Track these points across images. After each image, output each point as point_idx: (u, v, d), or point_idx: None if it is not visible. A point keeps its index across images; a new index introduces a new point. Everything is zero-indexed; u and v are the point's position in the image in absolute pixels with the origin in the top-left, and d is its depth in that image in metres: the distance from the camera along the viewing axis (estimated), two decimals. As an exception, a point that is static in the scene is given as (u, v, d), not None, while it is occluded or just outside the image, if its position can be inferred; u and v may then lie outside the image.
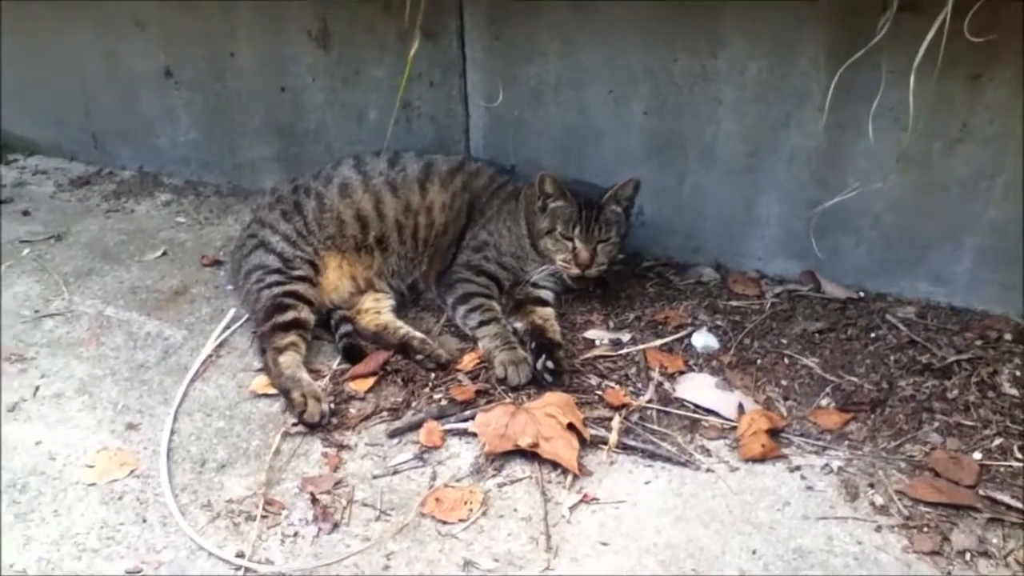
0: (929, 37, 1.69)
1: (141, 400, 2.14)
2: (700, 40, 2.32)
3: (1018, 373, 2.11)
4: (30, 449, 1.98)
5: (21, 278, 2.63)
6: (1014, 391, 2.06)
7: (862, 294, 2.42)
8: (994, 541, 1.72)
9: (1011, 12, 1.97)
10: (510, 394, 2.10)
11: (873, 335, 2.26)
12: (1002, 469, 1.87)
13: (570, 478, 1.88)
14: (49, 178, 3.29)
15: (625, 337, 2.30)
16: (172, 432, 2.03)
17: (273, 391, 2.13)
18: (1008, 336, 2.22)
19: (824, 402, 2.08)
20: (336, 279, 2.37)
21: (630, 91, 2.45)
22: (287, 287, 2.28)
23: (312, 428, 2.02)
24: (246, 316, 2.39)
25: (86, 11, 3.05)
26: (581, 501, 1.83)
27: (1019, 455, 1.89)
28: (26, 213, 3.02)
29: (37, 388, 2.16)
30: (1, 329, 2.37)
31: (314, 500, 1.84)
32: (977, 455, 1.90)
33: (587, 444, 1.96)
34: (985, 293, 2.32)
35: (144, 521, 1.80)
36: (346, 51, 2.75)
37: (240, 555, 1.72)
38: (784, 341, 2.26)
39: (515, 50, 2.53)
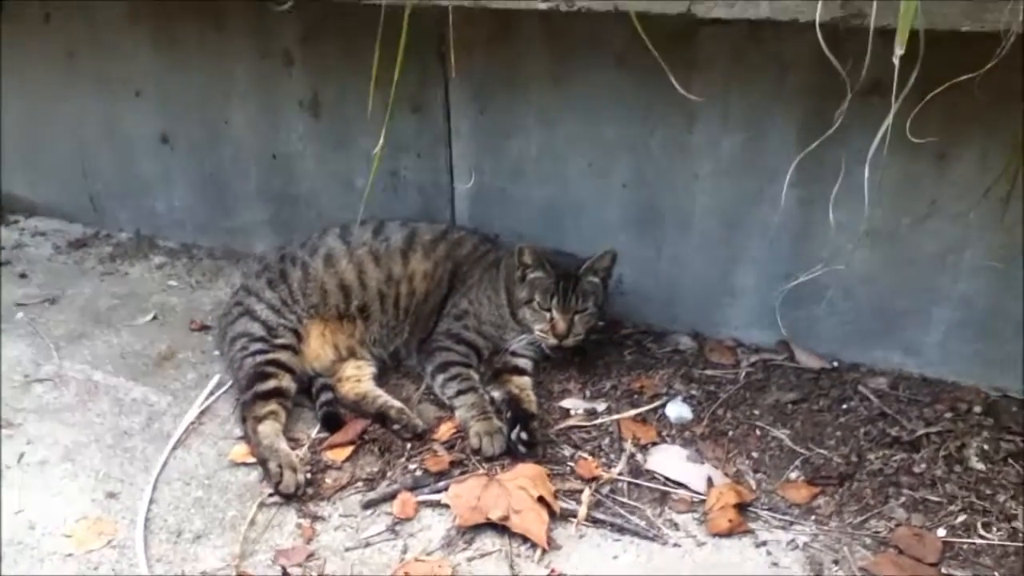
0: (887, 123, 1.73)
1: (123, 468, 2.18)
2: (675, 115, 2.38)
3: (986, 447, 2.13)
4: (10, 518, 2.02)
5: (14, 342, 2.68)
6: (980, 465, 2.08)
7: (836, 364, 2.45)
8: (955, 621, 1.74)
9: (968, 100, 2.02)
10: (484, 464, 2.14)
11: (844, 406, 2.29)
12: (965, 546, 1.89)
13: (539, 552, 1.91)
14: (48, 239, 3.37)
15: (600, 406, 2.33)
16: (151, 501, 2.07)
17: (252, 460, 2.17)
18: (977, 408, 2.25)
19: (793, 475, 2.10)
20: (318, 347, 2.42)
21: (609, 164, 2.51)
22: (269, 355, 2.33)
23: (288, 498, 2.06)
24: (230, 382, 2.43)
25: (86, 78, 3.15)
26: (548, 576, 1.86)
27: (983, 532, 1.91)
28: (23, 275, 3.09)
29: (22, 455, 2.21)
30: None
31: (285, 574, 1.87)
32: (941, 531, 1.92)
33: (557, 517, 1.98)
34: (956, 364, 2.35)
35: (119, 592, 1.84)
36: (336, 121, 2.82)
37: (211, 629, 1.75)
38: (757, 412, 2.30)
39: (498, 124, 2.60)
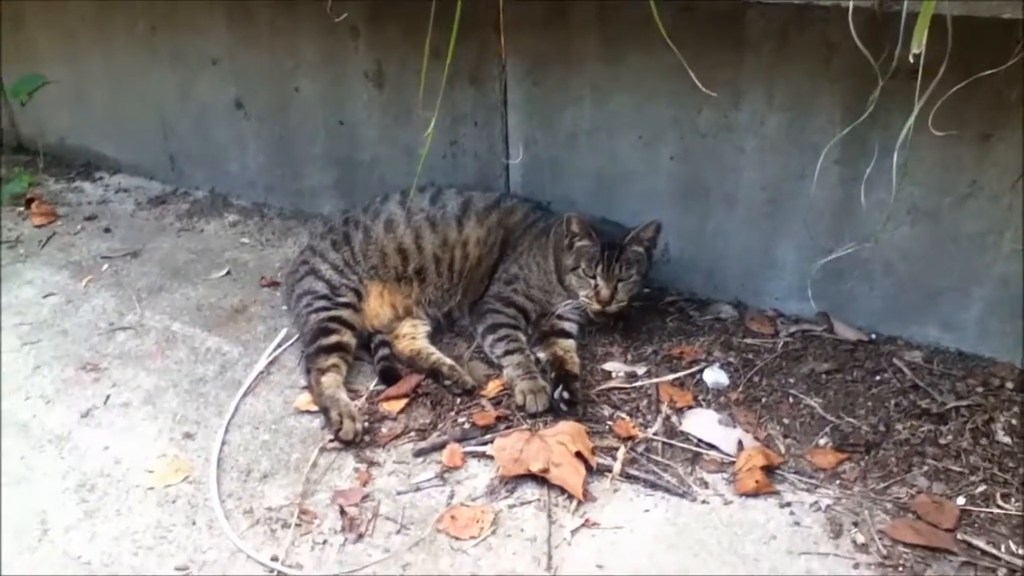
0: (914, 112, 1.80)
1: (198, 411, 2.38)
2: (722, 92, 2.46)
3: (1014, 422, 2.20)
4: (99, 453, 2.23)
5: (100, 292, 2.91)
6: (1007, 439, 2.16)
7: (873, 337, 2.53)
8: (965, 584, 1.84)
9: (1009, 86, 2.07)
10: (528, 420, 2.28)
11: (878, 378, 2.38)
12: (983, 515, 1.97)
13: (575, 503, 2.05)
14: (130, 196, 3.58)
15: (641, 370, 2.45)
16: (223, 443, 2.26)
17: (315, 408, 2.34)
18: (1010, 384, 2.31)
19: (822, 442, 2.20)
20: (377, 306, 2.58)
21: (658, 137, 2.61)
22: (332, 312, 2.50)
23: (346, 445, 2.23)
24: (296, 336, 2.61)
25: (166, 50, 3.34)
26: (583, 525, 2.00)
27: (1001, 502, 1.99)
28: (107, 230, 3.31)
29: (108, 397, 2.42)
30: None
31: (343, 512, 2.05)
32: (961, 500, 2.01)
33: (594, 472, 2.12)
34: (992, 341, 2.41)
35: (193, 524, 2.03)
36: (397, 92, 2.96)
37: (274, 559, 1.93)
38: (791, 380, 2.39)
39: (552, 96, 2.71)
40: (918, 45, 1.49)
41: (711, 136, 2.54)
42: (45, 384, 2.47)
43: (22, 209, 3.44)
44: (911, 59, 1.56)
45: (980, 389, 2.32)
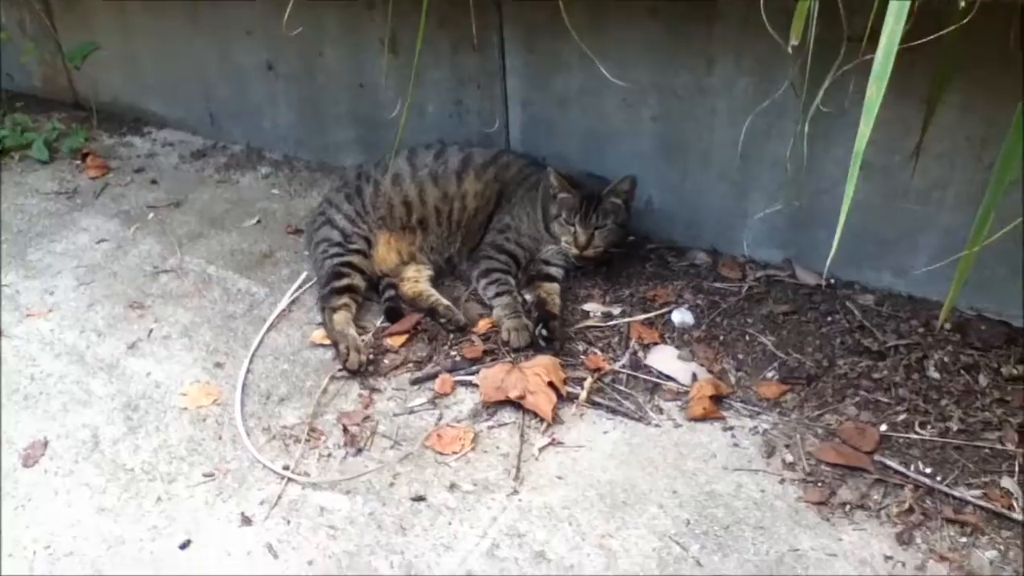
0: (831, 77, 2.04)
1: (228, 344, 2.72)
2: (697, 59, 2.70)
3: (946, 359, 2.44)
4: (143, 378, 2.59)
5: (146, 239, 3.26)
6: (936, 375, 2.40)
7: (832, 281, 2.76)
8: (874, 497, 2.10)
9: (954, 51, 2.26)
10: (511, 354, 2.58)
11: (829, 319, 2.62)
12: (901, 440, 2.24)
13: (545, 425, 2.36)
14: (174, 150, 3.93)
15: (616, 311, 2.74)
16: (248, 371, 2.60)
17: (328, 342, 2.67)
18: (948, 326, 2.55)
19: (770, 375, 2.47)
20: (385, 252, 2.90)
21: (640, 100, 2.85)
22: (345, 258, 2.82)
23: (352, 374, 2.56)
24: (315, 279, 2.94)
25: (207, 20, 3.66)
26: (550, 444, 2.31)
27: (918, 429, 2.25)
28: (154, 182, 3.66)
29: (151, 331, 2.78)
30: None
31: (346, 430, 2.39)
32: (883, 427, 2.27)
33: (564, 399, 2.42)
34: (939, 285, 2.63)
35: (220, 439, 2.38)
36: (410, 57, 3.22)
37: (286, 468, 2.27)
38: (750, 320, 2.65)
39: (546, 62, 2.96)
40: (796, 37, 1.71)
41: (687, 99, 2.77)
42: (98, 319, 2.84)
43: (79, 162, 3.80)
44: (788, 49, 1.79)
45: (921, 330, 2.55)
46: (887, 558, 1.95)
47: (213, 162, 3.82)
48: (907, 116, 2.46)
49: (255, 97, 3.74)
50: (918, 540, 1.99)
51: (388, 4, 3.12)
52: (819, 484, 2.14)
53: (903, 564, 1.94)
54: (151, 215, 3.42)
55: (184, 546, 2.08)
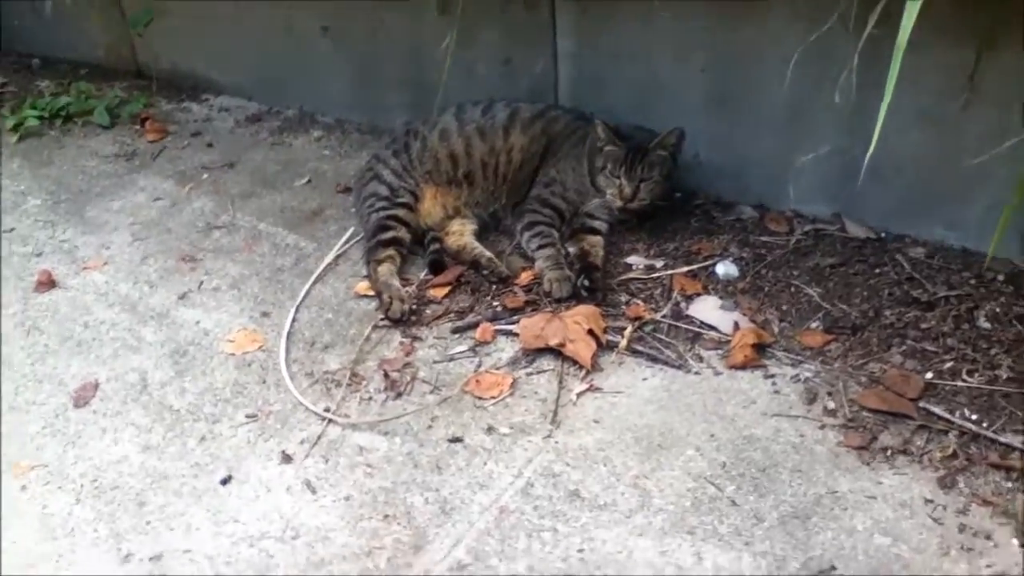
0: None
1: (275, 295, 2.77)
2: (750, 8, 2.65)
3: (997, 310, 2.38)
4: (192, 326, 2.65)
5: (200, 197, 3.33)
6: (987, 325, 2.34)
7: (883, 235, 2.71)
8: (917, 443, 2.06)
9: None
10: (553, 305, 2.58)
11: (878, 271, 2.57)
12: (947, 388, 2.18)
13: (584, 372, 2.36)
14: (231, 115, 3.99)
15: (659, 264, 2.72)
16: (293, 320, 2.64)
17: (371, 294, 2.70)
18: (1001, 277, 2.47)
19: (813, 325, 2.43)
20: (431, 206, 2.91)
21: (690, 53, 2.82)
22: (391, 212, 2.85)
23: (395, 323, 2.59)
24: (362, 234, 2.98)
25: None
26: (588, 390, 2.31)
27: (965, 377, 2.20)
28: (209, 145, 3.73)
29: (201, 283, 2.84)
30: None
31: (386, 375, 2.42)
32: (929, 375, 2.22)
33: (604, 347, 2.42)
34: (993, 237, 2.56)
35: (264, 383, 2.43)
36: (461, 18, 3.23)
37: (327, 410, 2.31)
38: (796, 273, 2.61)
39: (596, 18, 2.94)
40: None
41: (738, 49, 2.72)
42: (151, 272, 2.91)
43: (138, 127, 3.89)
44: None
45: (973, 281, 2.48)
46: (927, 501, 1.91)
47: (267, 126, 3.87)
48: (965, 59, 2.38)
49: (310, 62, 3.78)
50: (961, 484, 1.94)
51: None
52: (860, 429, 2.11)
53: (944, 507, 1.90)
54: (205, 175, 3.49)
55: (225, 481, 2.14)
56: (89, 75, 4.38)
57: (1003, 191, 2.48)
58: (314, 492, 2.09)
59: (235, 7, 3.85)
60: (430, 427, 2.25)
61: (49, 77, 4.38)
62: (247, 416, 2.32)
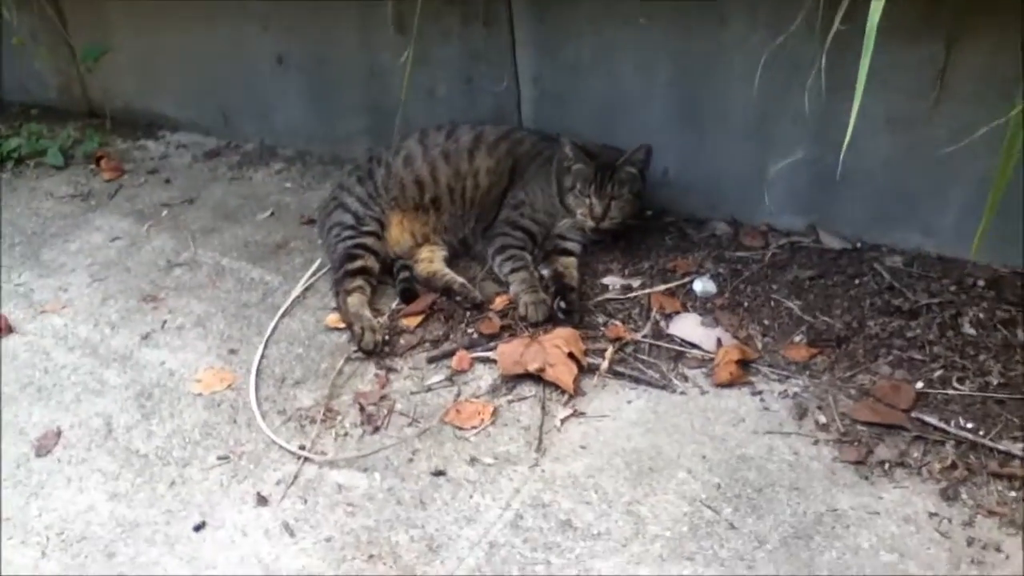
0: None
1: (242, 331, 2.67)
2: (709, 16, 2.62)
3: (981, 316, 2.35)
4: (157, 367, 2.55)
5: (160, 235, 3.23)
6: (972, 331, 2.31)
7: (858, 245, 2.68)
8: (914, 455, 2.02)
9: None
10: (529, 329, 2.51)
11: (857, 281, 2.54)
12: (938, 396, 2.15)
13: (566, 397, 2.29)
14: (188, 151, 3.90)
15: (636, 283, 2.66)
16: (262, 356, 2.54)
17: (342, 326, 2.62)
18: (982, 282, 2.45)
19: (797, 339, 2.39)
20: (398, 234, 2.84)
21: (653, 65, 2.78)
22: (358, 240, 2.77)
23: (368, 354, 2.50)
24: (329, 266, 2.89)
25: (216, 14, 3.62)
26: (572, 415, 2.24)
27: (956, 384, 2.16)
28: (167, 181, 3.63)
29: (164, 322, 2.74)
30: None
31: (362, 409, 2.33)
32: (919, 384, 2.18)
33: (585, 370, 2.35)
34: (970, 243, 2.53)
35: (235, 422, 2.33)
36: (419, 38, 3.18)
37: (302, 447, 2.22)
38: (774, 287, 2.57)
39: (555, 33, 2.90)
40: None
41: (702, 59, 2.70)
42: (111, 313, 2.80)
43: (93, 166, 3.78)
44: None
45: (953, 288, 2.46)
46: (932, 515, 1.86)
47: (226, 160, 3.79)
48: (934, 57, 2.36)
49: (266, 94, 3.71)
50: (964, 496, 1.90)
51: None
52: (855, 443, 2.06)
53: (949, 520, 1.85)
54: (164, 212, 3.39)
55: (199, 527, 2.03)
56: (40, 116, 4.27)
57: (977, 193, 2.45)
58: (293, 534, 1.99)
59: (185, 41, 3.77)
60: (411, 461, 2.16)
61: (-2, 120, 4.26)
62: (219, 458, 2.22)
